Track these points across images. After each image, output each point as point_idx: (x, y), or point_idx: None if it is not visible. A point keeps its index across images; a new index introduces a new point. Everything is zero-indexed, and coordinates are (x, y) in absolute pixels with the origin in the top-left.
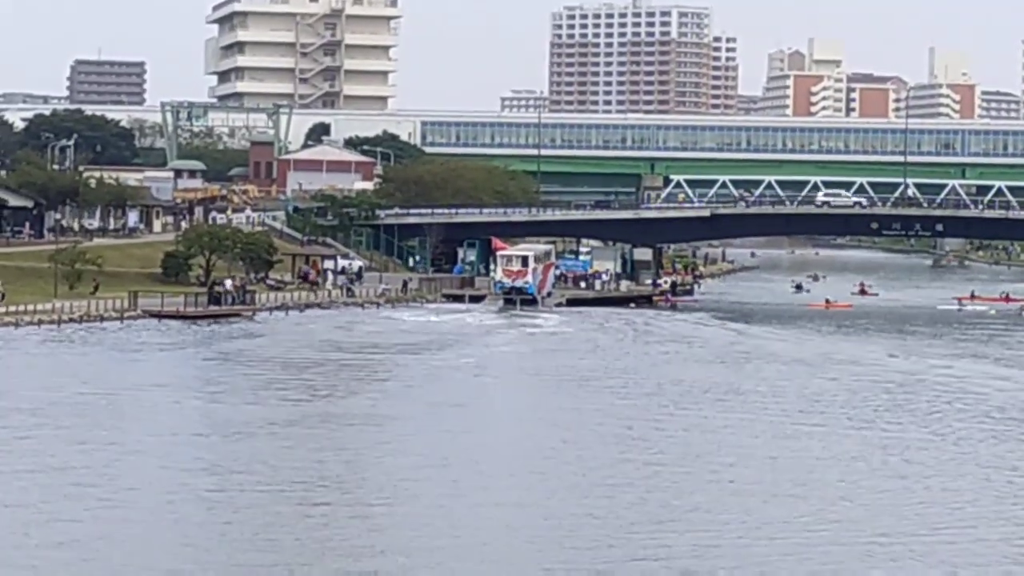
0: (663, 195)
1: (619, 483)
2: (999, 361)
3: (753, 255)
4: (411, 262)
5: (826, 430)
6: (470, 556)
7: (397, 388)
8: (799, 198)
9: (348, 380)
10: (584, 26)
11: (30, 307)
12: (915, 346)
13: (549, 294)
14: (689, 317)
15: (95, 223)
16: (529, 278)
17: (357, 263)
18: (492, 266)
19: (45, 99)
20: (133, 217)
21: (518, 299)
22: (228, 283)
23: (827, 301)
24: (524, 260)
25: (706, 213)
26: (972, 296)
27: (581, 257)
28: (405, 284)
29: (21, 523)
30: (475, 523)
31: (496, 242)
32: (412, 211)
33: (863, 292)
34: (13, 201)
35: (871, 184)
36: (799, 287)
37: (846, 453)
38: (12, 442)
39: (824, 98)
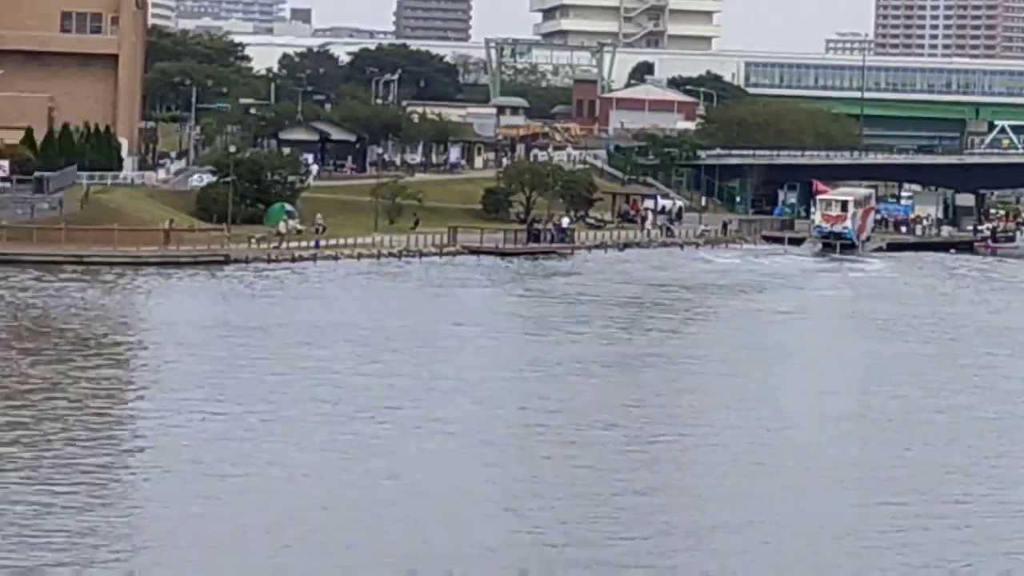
0: (987, 141)
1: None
2: None
3: None
4: (735, 202)
5: None
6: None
7: (716, 330)
8: None
9: (665, 321)
10: None
11: (350, 240)
12: None
13: (868, 239)
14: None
15: (417, 158)
16: (848, 223)
17: (677, 203)
18: (812, 209)
19: (371, 34)
20: (455, 153)
21: (837, 243)
22: (566, 220)
23: None
24: (844, 205)
25: None
26: None
27: (902, 202)
28: (725, 225)
29: (343, 452)
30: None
31: (817, 185)
32: (733, 152)
33: None
34: (336, 135)
35: None
36: None
37: None
38: (336, 374)
39: None
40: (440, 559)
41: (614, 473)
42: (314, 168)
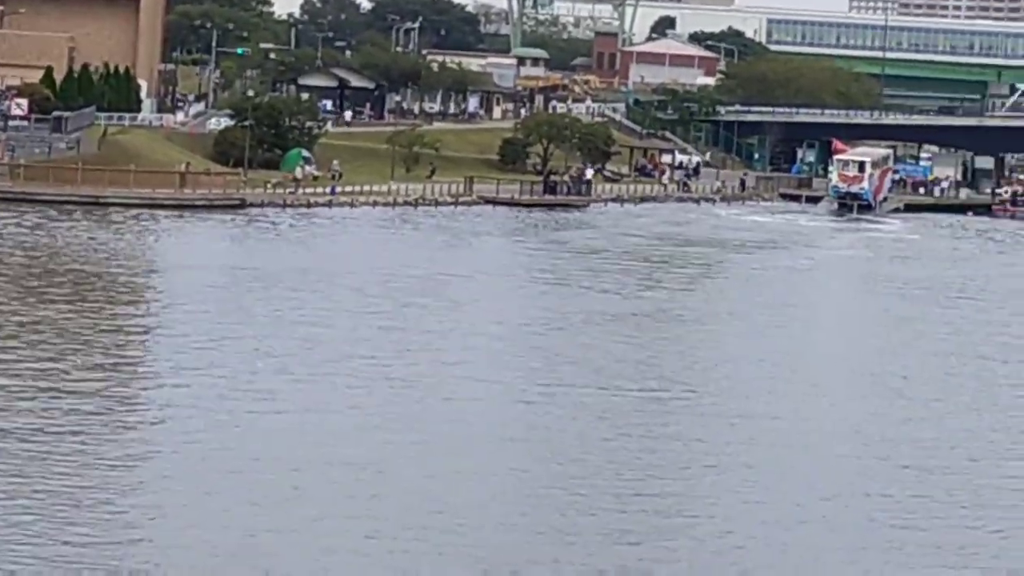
0: (1008, 104)
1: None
2: None
3: None
4: (753, 159)
5: None
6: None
7: (730, 286)
8: None
9: (678, 277)
10: None
11: (366, 187)
12: None
13: (885, 199)
14: None
15: (435, 107)
16: (865, 184)
17: (695, 158)
18: (830, 168)
19: None
20: (473, 102)
21: (854, 204)
22: (589, 172)
23: None
24: (861, 166)
25: None
26: None
27: (921, 163)
28: (742, 182)
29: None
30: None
31: (836, 144)
32: (753, 109)
33: None
34: (355, 82)
35: None
36: None
37: None
38: (351, 321)
39: None
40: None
41: (630, 441)
42: (346, 114)
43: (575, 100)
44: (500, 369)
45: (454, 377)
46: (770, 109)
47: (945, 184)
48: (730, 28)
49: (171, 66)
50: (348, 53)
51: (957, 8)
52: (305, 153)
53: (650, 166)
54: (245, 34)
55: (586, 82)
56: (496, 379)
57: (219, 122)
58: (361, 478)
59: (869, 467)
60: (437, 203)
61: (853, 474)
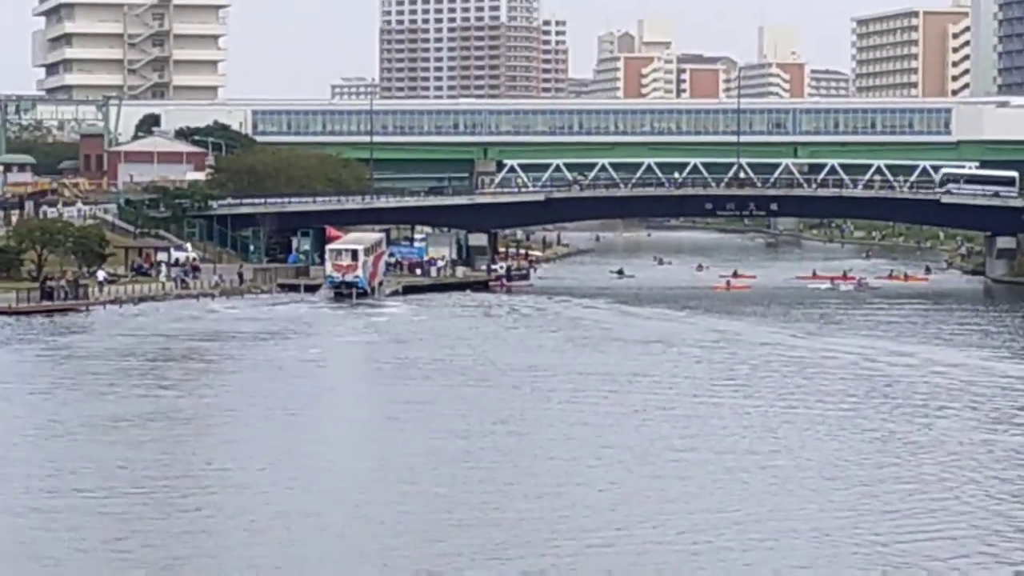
0: (496, 180)
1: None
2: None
3: (598, 239)
4: (250, 251)
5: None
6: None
7: (237, 383)
8: (632, 180)
9: (186, 374)
10: (414, 11)
11: None
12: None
13: (381, 283)
14: (522, 300)
15: None
16: (359, 272)
17: (191, 255)
18: (325, 257)
19: None
20: None
21: (352, 292)
22: (101, 274)
23: (728, 282)
24: (353, 254)
25: (541, 197)
26: (814, 275)
27: (416, 244)
28: (240, 275)
29: None
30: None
31: (330, 230)
32: (245, 201)
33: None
34: None
35: (704, 164)
36: (620, 273)
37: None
38: None
39: (655, 80)
40: None
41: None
42: None
43: (66, 204)
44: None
45: None
46: (262, 200)
47: (441, 263)
48: (215, 122)
49: None
50: None
51: (439, 89)
52: None
53: (146, 265)
54: None
55: (75, 185)
56: None
57: None
58: None
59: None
60: None
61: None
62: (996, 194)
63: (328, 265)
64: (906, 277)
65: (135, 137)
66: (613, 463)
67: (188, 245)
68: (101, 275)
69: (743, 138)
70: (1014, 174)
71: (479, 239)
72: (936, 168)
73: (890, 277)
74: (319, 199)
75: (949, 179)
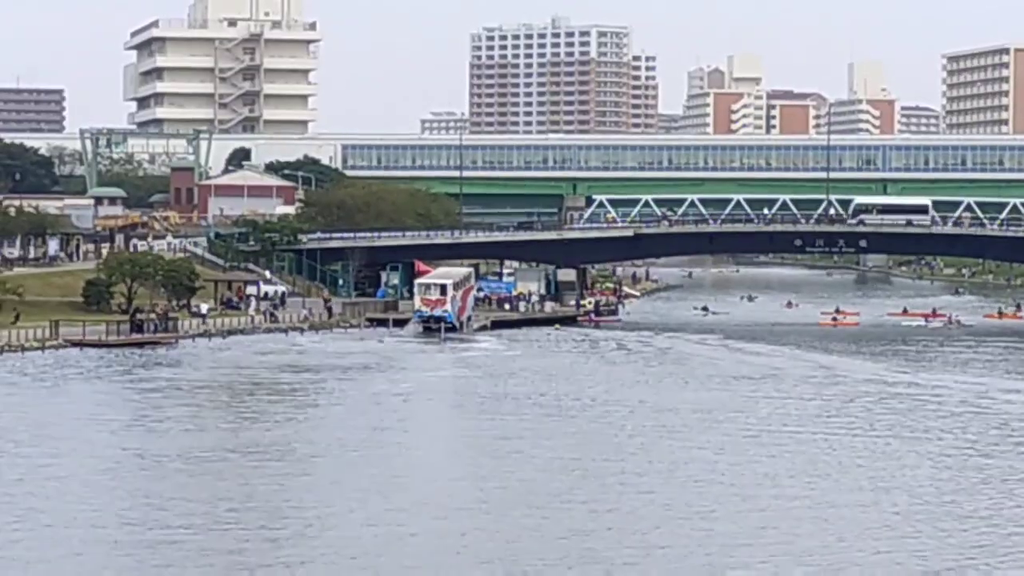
0: (586, 215)
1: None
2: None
3: (691, 275)
4: (339, 285)
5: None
6: None
7: (328, 417)
8: (721, 216)
9: (277, 407)
10: (504, 47)
11: None
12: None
13: (469, 318)
14: (614, 335)
15: (15, 252)
16: (448, 306)
17: (279, 288)
18: (414, 292)
19: None
20: (53, 245)
21: (440, 327)
22: (204, 307)
23: (834, 319)
24: (442, 289)
25: (629, 233)
26: (904, 312)
27: (504, 279)
28: (329, 309)
29: None
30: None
31: (419, 265)
32: (334, 235)
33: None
34: None
35: (793, 201)
36: (706, 309)
37: None
38: None
39: (744, 115)
40: None
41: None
42: None
43: (156, 237)
44: (87, 512)
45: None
46: (351, 234)
47: (531, 298)
48: (306, 156)
49: None
50: None
51: (528, 124)
52: None
53: (236, 299)
54: None
55: (165, 218)
56: (81, 524)
57: None
58: None
59: None
60: (23, 348)
61: None
62: None
63: (417, 300)
64: (1000, 315)
65: (225, 171)
66: (730, 496)
67: (273, 277)
68: (204, 308)
69: (833, 174)
70: None
71: (568, 274)
72: None
73: (1000, 315)
74: (408, 234)
75: None
